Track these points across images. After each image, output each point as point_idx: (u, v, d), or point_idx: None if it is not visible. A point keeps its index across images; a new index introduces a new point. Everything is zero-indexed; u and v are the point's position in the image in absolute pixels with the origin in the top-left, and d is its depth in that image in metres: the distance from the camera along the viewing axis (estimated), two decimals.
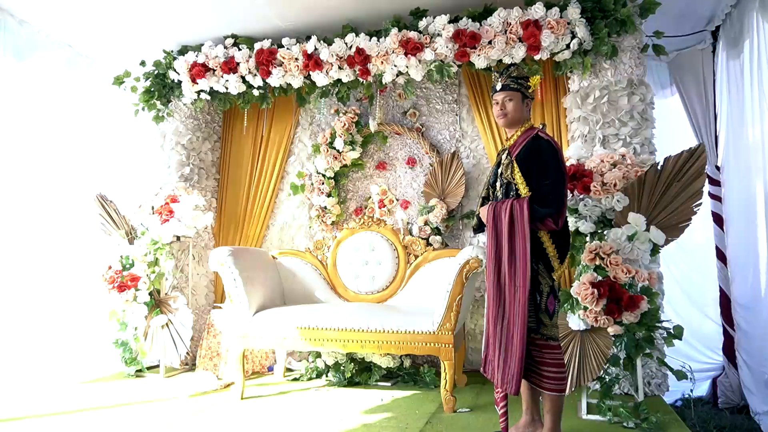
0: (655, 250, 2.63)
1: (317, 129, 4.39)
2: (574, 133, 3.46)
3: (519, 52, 3.32)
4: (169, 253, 3.89)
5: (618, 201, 2.66)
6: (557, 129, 3.74)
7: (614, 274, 2.57)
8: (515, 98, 2.36)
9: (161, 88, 4.25)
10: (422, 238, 3.85)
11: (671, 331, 2.62)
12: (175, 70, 4.10)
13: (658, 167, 2.66)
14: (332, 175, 4.16)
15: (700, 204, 2.64)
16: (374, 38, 3.62)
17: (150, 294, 3.75)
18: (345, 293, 3.67)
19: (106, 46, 4.26)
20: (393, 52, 3.53)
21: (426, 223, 3.88)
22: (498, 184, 2.40)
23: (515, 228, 2.20)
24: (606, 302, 2.56)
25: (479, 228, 2.53)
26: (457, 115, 4.12)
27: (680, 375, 2.56)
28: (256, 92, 4.03)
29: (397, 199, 4.15)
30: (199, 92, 4.12)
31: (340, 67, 3.70)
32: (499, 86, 2.37)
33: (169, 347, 3.63)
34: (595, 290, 2.54)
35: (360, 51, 3.59)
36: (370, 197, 4.20)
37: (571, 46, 3.26)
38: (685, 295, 4.10)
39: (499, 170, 2.39)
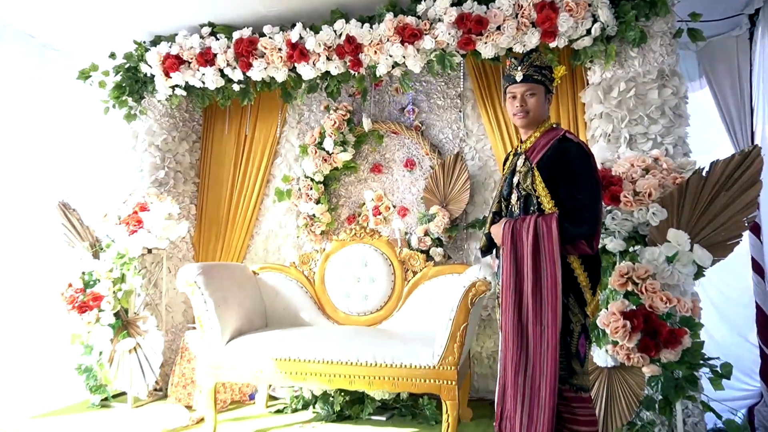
0: (699, 273, 2.20)
1: (306, 127, 3.97)
2: (594, 131, 3.01)
3: (532, 39, 2.89)
4: (139, 267, 3.49)
5: (654, 214, 2.22)
6: (574, 127, 3.30)
7: (650, 302, 2.13)
8: (538, 93, 1.94)
9: (133, 83, 3.83)
10: (422, 251, 3.43)
11: (718, 369, 2.18)
12: (147, 63, 3.69)
13: (703, 173, 2.22)
14: (321, 179, 3.73)
15: (754, 216, 2.20)
16: (366, 25, 3.19)
17: (116, 314, 3.34)
18: (334, 314, 3.24)
19: (75, 37, 3.86)
20: (388, 40, 3.10)
21: (426, 234, 3.46)
22: (514, 196, 1.97)
23: (541, 251, 1.77)
24: (640, 336, 2.12)
25: (489, 249, 2.10)
26: (460, 111, 3.68)
27: (733, 428, 2.12)
28: (236, 87, 3.61)
29: (394, 206, 3.72)
30: (173, 87, 3.71)
31: (328, 58, 3.27)
32: (519, 76, 1.94)
33: (136, 375, 3.22)
34: (628, 322, 2.11)
35: (350, 39, 3.16)
36: (363, 204, 3.77)
37: (593, 31, 2.83)
38: (717, 312, 3.65)
39: (515, 179, 1.96)
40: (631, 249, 2.31)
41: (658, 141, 2.79)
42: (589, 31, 2.84)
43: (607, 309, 2.22)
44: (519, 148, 2.03)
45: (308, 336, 2.76)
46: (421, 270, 3.16)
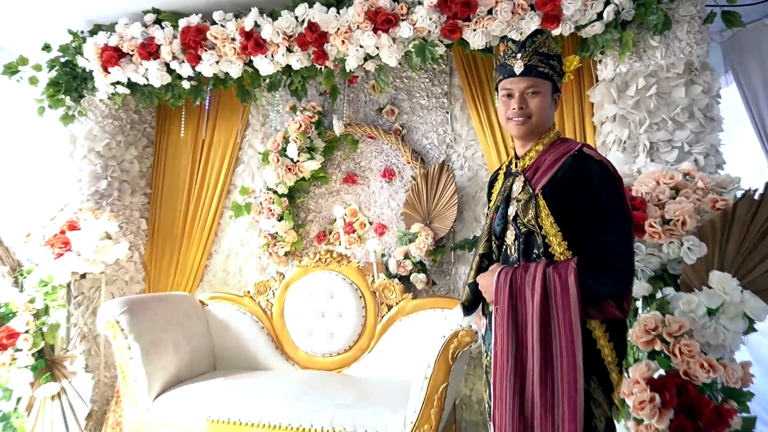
0: (749, 328, 1.68)
1: (271, 131, 3.45)
2: (606, 137, 2.50)
3: (530, 26, 2.37)
4: (75, 293, 2.98)
5: (690, 249, 1.70)
6: (580, 133, 2.78)
7: (686, 368, 1.61)
8: (544, 91, 1.40)
9: (70, 80, 3.31)
10: (401, 277, 2.92)
11: None
12: (84, 56, 3.17)
13: (756, 196, 1.70)
14: (285, 191, 3.21)
15: None
16: (333, 10, 2.67)
17: (39, 353, 2.82)
18: (294, 354, 2.73)
19: (3, 27, 3.34)
20: (358, 27, 2.59)
21: (406, 257, 2.94)
22: (510, 234, 1.43)
23: (552, 317, 1.24)
24: (673, 414, 1.60)
25: (473, 305, 1.56)
26: (447, 112, 3.16)
27: None
28: (186, 84, 3.09)
29: (371, 223, 3.20)
30: (115, 84, 3.19)
31: (288, 49, 2.76)
32: (519, 67, 1.40)
33: (58, 427, 2.71)
34: (656, 395, 1.59)
35: (313, 27, 2.64)
36: (335, 220, 3.25)
37: (605, 15, 2.31)
38: (752, 354, 3.13)
39: (511, 210, 1.43)
40: (658, 294, 1.79)
41: (686, 150, 2.27)
42: (600, 15, 2.33)
43: (627, 373, 1.70)
44: (514, 166, 1.50)
45: (253, 389, 2.24)
46: (397, 303, 2.64)
